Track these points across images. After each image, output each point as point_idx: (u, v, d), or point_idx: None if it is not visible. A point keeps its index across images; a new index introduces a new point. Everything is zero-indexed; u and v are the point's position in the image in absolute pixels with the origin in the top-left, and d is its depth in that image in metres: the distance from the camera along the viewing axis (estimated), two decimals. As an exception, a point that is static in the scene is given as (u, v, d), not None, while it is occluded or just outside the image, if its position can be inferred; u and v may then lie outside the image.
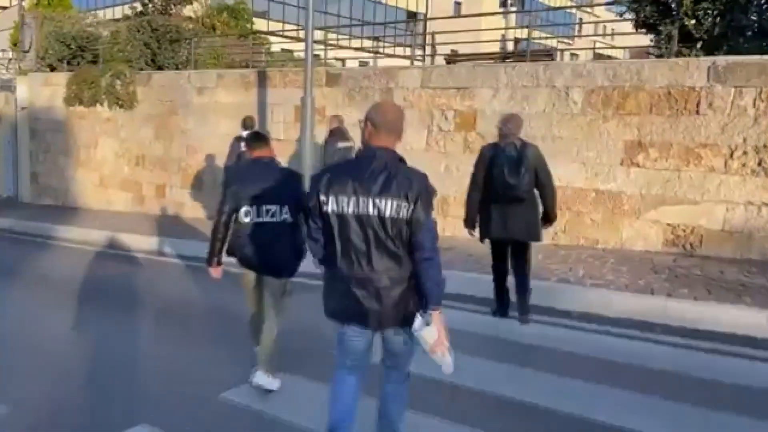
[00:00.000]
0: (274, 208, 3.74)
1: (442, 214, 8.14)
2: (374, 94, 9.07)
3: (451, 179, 8.13)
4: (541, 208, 4.88)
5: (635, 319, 5.02)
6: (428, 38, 14.61)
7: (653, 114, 7.06)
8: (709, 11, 7.75)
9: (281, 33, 21.68)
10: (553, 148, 7.36)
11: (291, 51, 16.99)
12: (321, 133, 8.60)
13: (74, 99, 13.15)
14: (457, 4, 37.84)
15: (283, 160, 9.30)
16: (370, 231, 2.51)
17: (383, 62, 18.22)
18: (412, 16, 34.08)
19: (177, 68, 12.89)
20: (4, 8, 23.33)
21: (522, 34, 21.02)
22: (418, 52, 13.67)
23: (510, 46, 25.33)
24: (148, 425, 3.39)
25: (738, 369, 4.09)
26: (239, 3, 18.10)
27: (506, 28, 25.47)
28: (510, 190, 4.64)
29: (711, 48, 7.87)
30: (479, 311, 5.26)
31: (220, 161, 9.47)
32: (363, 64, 19.36)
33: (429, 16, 32.26)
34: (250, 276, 3.92)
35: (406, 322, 2.57)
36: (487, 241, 5.04)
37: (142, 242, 9.06)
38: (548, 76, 7.73)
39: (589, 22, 30.15)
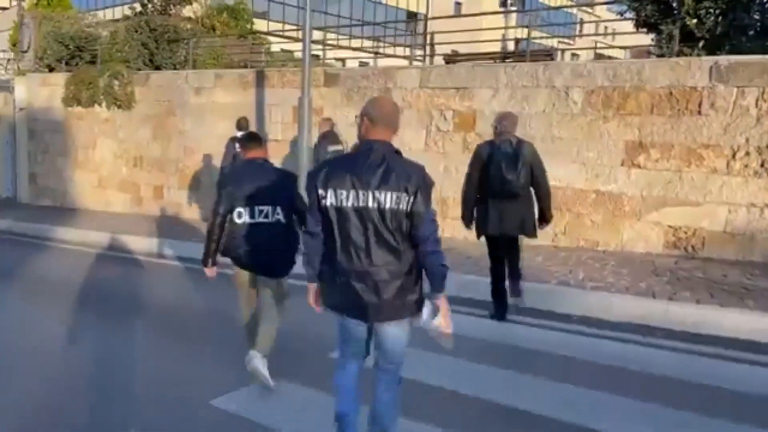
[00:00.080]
0: (266, 208, 3.78)
1: (441, 215, 8.06)
2: (372, 95, 8.97)
3: (450, 180, 8.05)
4: (537, 207, 4.91)
5: (636, 323, 4.95)
6: (428, 38, 14.55)
7: (654, 114, 6.98)
8: (711, 10, 7.69)
9: (281, 33, 21.64)
10: (553, 148, 7.30)
11: (291, 51, 16.94)
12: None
13: (72, 99, 13.10)
14: (458, 4, 37.79)
15: (280, 161, 9.36)
16: (369, 224, 2.53)
17: (383, 62, 18.15)
18: (412, 16, 34.04)
19: (175, 68, 12.83)
20: (4, 9, 23.31)
21: (522, 34, 20.95)
22: (418, 52, 13.62)
23: (510, 46, 25.26)
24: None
25: (740, 375, 4.01)
26: (239, 3, 18.05)
27: (506, 28, 25.38)
28: (507, 186, 4.71)
29: (713, 47, 7.81)
30: (477, 314, 5.19)
31: (218, 162, 9.42)
32: (363, 64, 19.28)
33: (429, 16, 32.22)
34: (244, 276, 3.93)
35: (404, 314, 2.62)
36: (483, 239, 5.08)
37: (140, 244, 9.01)
38: (548, 77, 7.65)
39: (590, 22, 30.13)
